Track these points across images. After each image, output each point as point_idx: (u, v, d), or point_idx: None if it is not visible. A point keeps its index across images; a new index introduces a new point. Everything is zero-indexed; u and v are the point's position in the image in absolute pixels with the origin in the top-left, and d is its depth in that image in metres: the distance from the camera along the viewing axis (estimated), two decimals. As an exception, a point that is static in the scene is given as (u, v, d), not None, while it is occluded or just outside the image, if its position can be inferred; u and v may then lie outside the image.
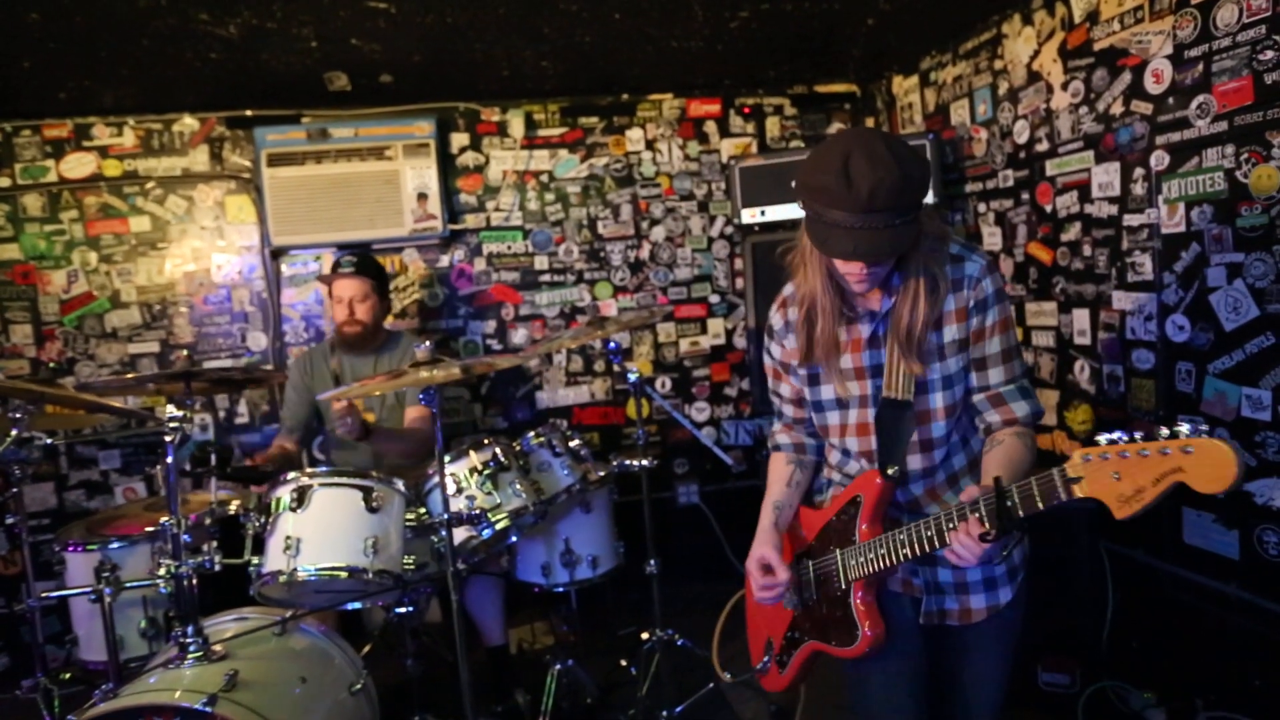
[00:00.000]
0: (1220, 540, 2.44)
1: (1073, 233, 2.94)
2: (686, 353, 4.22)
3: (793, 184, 1.54)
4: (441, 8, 2.96)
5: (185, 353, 2.75)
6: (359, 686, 2.28)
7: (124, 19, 2.81)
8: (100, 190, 3.67)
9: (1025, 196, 3.18)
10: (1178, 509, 2.57)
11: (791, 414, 1.84)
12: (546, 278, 4.08)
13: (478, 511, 2.50)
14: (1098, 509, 1.25)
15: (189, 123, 3.73)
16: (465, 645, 2.26)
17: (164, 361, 3.75)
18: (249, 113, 3.75)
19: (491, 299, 4.04)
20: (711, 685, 2.87)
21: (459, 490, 2.57)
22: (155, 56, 3.13)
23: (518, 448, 2.75)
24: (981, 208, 3.47)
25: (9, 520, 2.59)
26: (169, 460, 2.12)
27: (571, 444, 2.86)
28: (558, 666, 2.88)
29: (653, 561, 2.78)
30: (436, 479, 2.35)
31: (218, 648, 2.09)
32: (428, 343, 2.36)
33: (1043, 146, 3.05)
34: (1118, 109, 2.69)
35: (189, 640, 2.05)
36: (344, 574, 2.31)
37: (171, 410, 2.10)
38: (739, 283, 4.19)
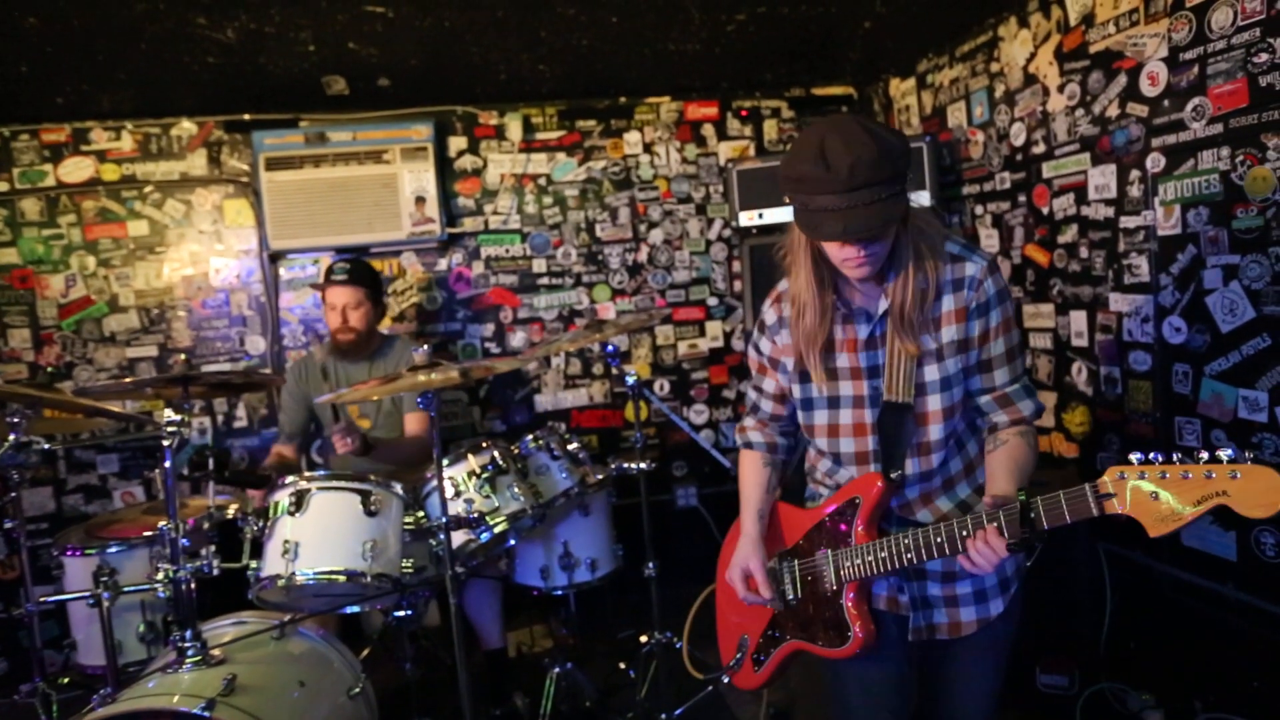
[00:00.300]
0: (1218, 542, 2.44)
1: (1069, 235, 2.95)
2: (685, 355, 4.22)
3: (780, 189, 1.54)
4: (439, 11, 2.96)
5: (183, 357, 2.74)
6: (357, 690, 2.28)
7: (122, 23, 2.81)
8: (98, 194, 3.67)
9: (1022, 199, 3.19)
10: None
11: (770, 410, 1.83)
12: (545, 281, 4.09)
13: (476, 515, 2.50)
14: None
15: (187, 127, 3.74)
16: (464, 648, 2.26)
17: (162, 365, 3.75)
18: (247, 117, 3.75)
19: (490, 302, 4.04)
20: (710, 688, 2.87)
21: (457, 494, 2.57)
22: (153, 61, 3.13)
23: (516, 451, 2.75)
24: (978, 210, 3.47)
25: (7, 525, 2.59)
26: (167, 464, 2.11)
27: (570, 447, 2.86)
28: (556, 670, 2.88)
29: (651, 564, 2.78)
30: (435, 482, 2.35)
31: (216, 652, 2.09)
32: (426, 346, 2.36)
33: (1039, 149, 3.06)
34: (1114, 111, 2.70)
35: (187, 644, 2.04)
36: (342, 578, 2.31)
37: (169, 414, 2.09)
38: (737, 285, 4.19)
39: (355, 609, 2.50)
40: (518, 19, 3.08)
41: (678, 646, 2.93)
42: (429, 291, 3.99)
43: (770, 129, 4.21)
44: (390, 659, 3.03)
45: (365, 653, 3.06)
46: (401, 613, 2.59)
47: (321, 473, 2.49)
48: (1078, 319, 2.96)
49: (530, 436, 2.80)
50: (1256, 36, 2.19)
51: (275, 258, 3.83)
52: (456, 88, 3.76)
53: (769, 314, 1.75)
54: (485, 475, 2.59)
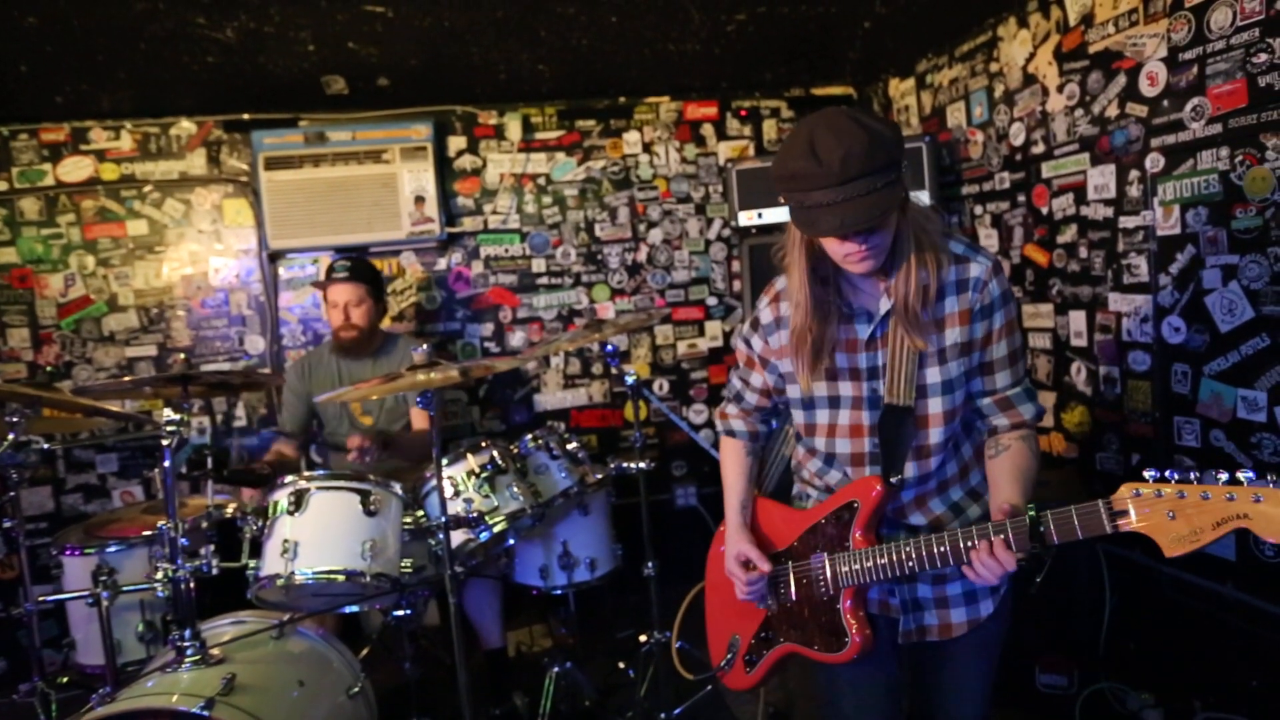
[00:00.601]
0: (1217, 542, 2.43)
1: (1069, 235, 2.95)
2: (684, 355, 4.22)
3: (775, 188, 1.51)
4: (439, 11, 2.96)
5: (183, 356, 2.74)
6: (357, 690, 2.28)
7: (121, 23, 2.81)
8: (97, 194, 3.67)
9: (1021, 199, 3.19)
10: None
11: (754, 402, 1.83)
12: (544, 280, 4.09)
13: (475, 514, 2.50)
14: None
15: (186, 126, 3.73)
16: (463, 648, 2.26)
17: (161, 365, 3.74)
18: (246, 116, 3.75)
19: (489, 302, 4.04)
20: (709, 688, 2.87)
21: (456, 493, 2.57)
22: (152, 60, 3.13)
23: (515, 450, 2.75)
24: (978, 210, 3.47)
25: (6, 524, 2.58)
26: (166, 464, 2.11)
27: (569, 446, 2.86)
28: (556, 669, 2.88)
29: (651, 564, 2.78)
30: (434, 482, 2.35)
31: (215, 651, 2.09)
32: (425, 345, 2.36)
33: (1039, 149, 3.06)
34: (1113, 111, 2.70)
35: (186, 644, 2.04)
36: (341, 577, 2.31)
37: (169, 414, 2.09)
38: (736, 285, 4.19)
39: (354, 608, 2.50)
40: (517, 19, 3.08)
41: (679, 645, 2.93)
42: (428, 291, 3.99)
43: (770, 129, 4.21)
44: (390, 658, 3.04)
45: (365, 652, 3.07)
46: (401, 612, 2.59)
47: (321, 472, 2.49)
48: (1077, 319, 2.96)
49: (529, 436, 2.80)
50: (1256, 37, 2.19)
51: (274, 257, 3.83)
52: (456, 87, 3.76)
53: (765, 313, 1.72)
54: (484, 475, 2.60)
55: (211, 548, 2.27)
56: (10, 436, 2.27)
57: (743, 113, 4.17)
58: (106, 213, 3.68)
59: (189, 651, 2.04)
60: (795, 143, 1.41)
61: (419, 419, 3.17)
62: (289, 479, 2.43)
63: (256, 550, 2.39)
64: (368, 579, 2.32)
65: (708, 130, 4.16)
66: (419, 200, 3.77)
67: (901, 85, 3.97)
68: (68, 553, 2.63)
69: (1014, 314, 1.58)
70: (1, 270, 3.60)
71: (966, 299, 1.54)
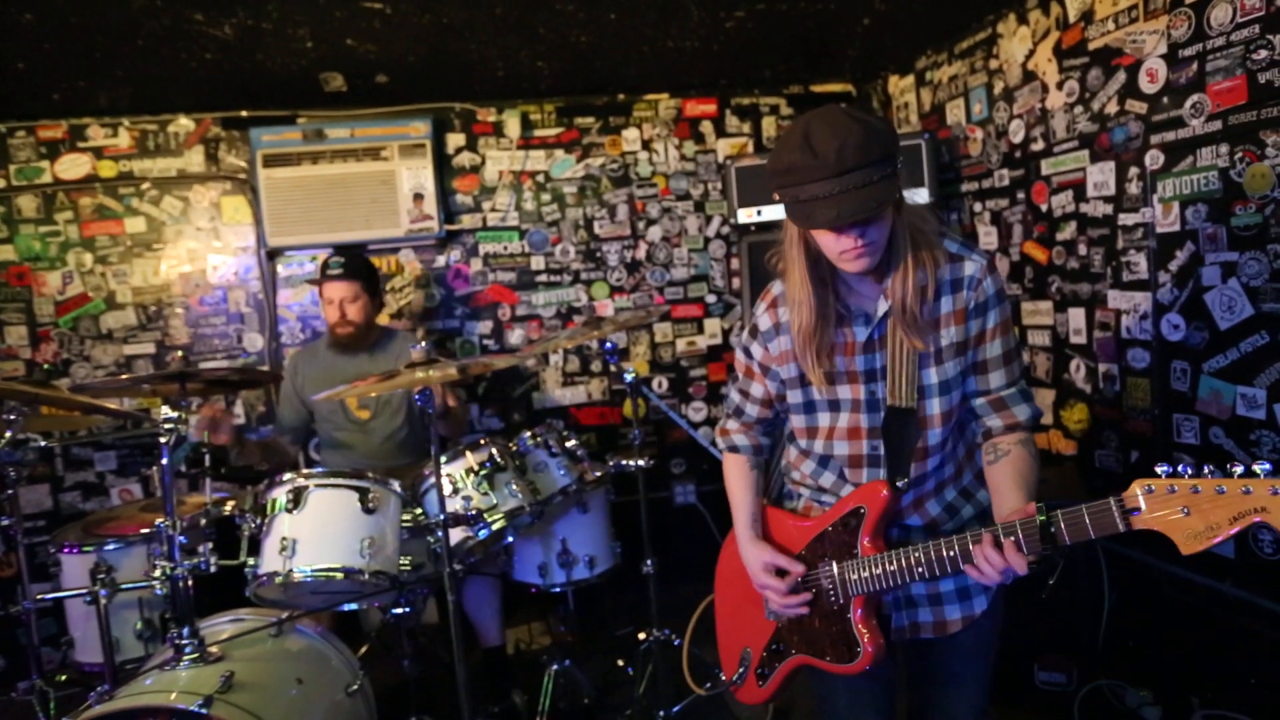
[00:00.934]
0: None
1: (1068, 232, 2.95)
2: (683, 353, 4.22)
3: (769, 186, 1.50)
4: (437, 8, 2.95)
5: (181, 354, 2.73)
6: (355, 687, 2.28)
7: (119, 20, 2.81)
8: (95, 191, 3.66)
9: (1021, 196, 3.18)
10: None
11: (755, 414, 1.79)
12: (543, 278, 4.08)
13: (474, 512, 2.50)
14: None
15: (184, 123, 3.73)
16: (462, 646, 2.26)
17: (159, 363, 3.74)
18: (244, 113, 3.74)
19: (488, 299, 4.04)
20: (708, 686, 2.86)
21: (455, 491, 2.57)
22: (150, 57, 3.12)
23: (514, 448, 2.74)
24: (977, 207, 3.47)
25: (4, 522, 2.58)
26: (164, 462, 2.11)
27: (568, 444, 2.86)
28: (555, 667, 2.88)
29: (650, 561, 2.77)
30: (432, 479, 2.34)
31: (214, 649, 2.09)
32: (424, 343, 2.36)
33: (1038, 146, 3.06)
34: (1112, 108, 2.69)
35: (185, 642, 2.04)
36: (340, 575, 2.31)
37: (167, 411, 2.09)
38: (735, 282, 4.19)
39: (353, 606, 2.50)
40: (516, 16, 3.07)
41: (676, 644, 2.92)
42: (427, 288, 3.98)
43: (769, 126, 4.20)
44: (388, 656, 3.03)
45: (363, 650, 3.07)
46: (400, 610, 2.59)
47: (319, 470, 2.49)
48: (1076, 316, 2.96)
49: (528, 434, 2.80)
50: (1255, 33, 2.19)
51: (273, 255, 3.82)
52: (455, 84, 3.75)
53: (763, 319, 1.70)
54: (483, 472, 2.59)
55: (210, 545, 2.27)
56: (8, 434, 2.27)
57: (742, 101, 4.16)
58: (104, 210, 3.68)
59: (187, 649, 2.04)
60: (790, 138, 1.41)
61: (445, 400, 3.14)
62: (287, 476, 2.42)
63: (255, 548, 2.39)
64: (366, 577, 2.32)
65: (707, 127, 4.15)
66: (418, 198, 3.76)
67: (901, 82, 3.96)
68: (66, 551, 2.63)
69: (1008, 314, 1.57)
70: (-1, 268, 3.60)
71: (961, 298, 1.53)
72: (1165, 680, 2.57)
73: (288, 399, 3.24)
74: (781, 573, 1.66)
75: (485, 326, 4.04)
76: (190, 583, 2.14)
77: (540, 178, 4.04)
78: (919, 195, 3.45)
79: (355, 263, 3.15)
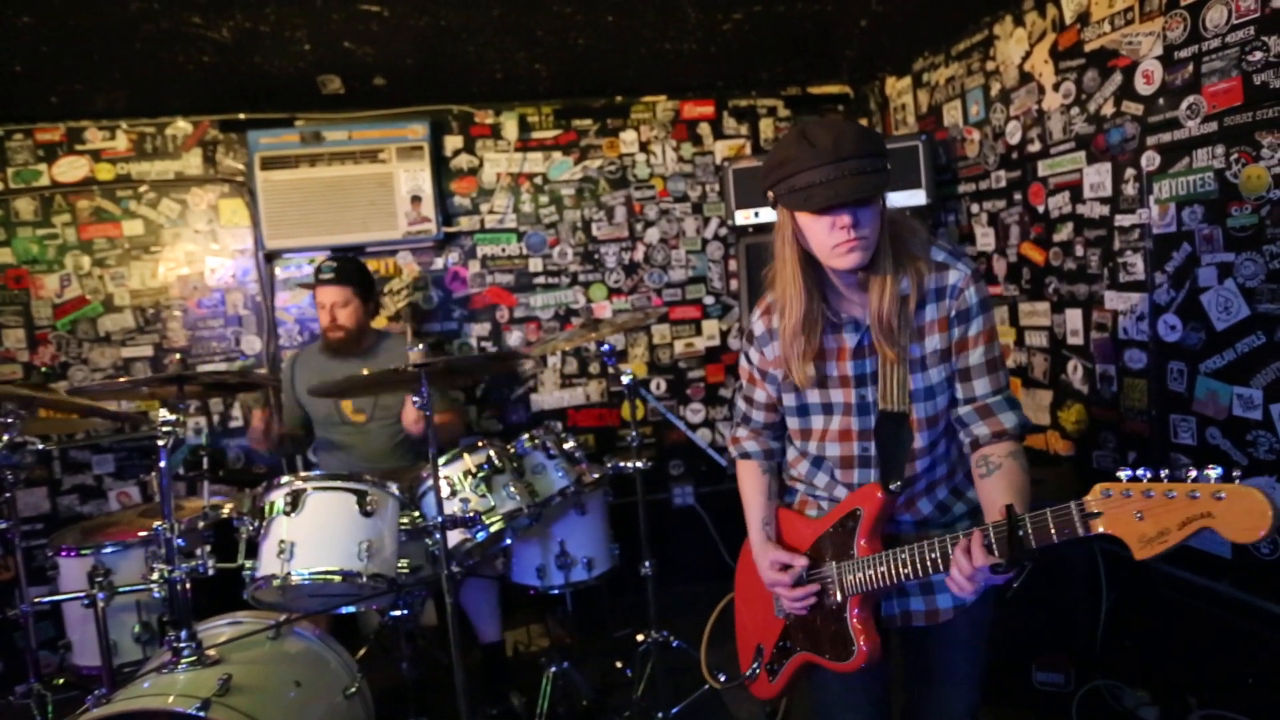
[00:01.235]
0: (1213, 539, 2.43)
1: (1065, 233, 2.95)
2: (681, 354, 4.22)
3: (762, 187, 1.55)
4: (435, 10, 2.95)
5: (179, 356, 2.74)
6: (354, 690, 2.27)
7: (116, 22, 2.81)
8: (93, 194, 3.66)
9: (1018, 197, 3.19)
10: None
11: (762, 420, 1.83)
12: (541, 280, 4.08)
13: (472, 514, 2.49)
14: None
15: (182, 126, 3.73)
16: (460, 648, 2.26)
17: (157, 365, 3.73)
18: (242, 116, 3.74)
19: (486, 301, 4.04)
20: (706, 687, 2.86)
21: (453, 493, 2.57)
22: (148, 60, 3.12)
23: (512, 450, 2.74)
24: (974, 208, 3.48)
25: (2, 525, 2.57)
26: (162, 464, 2.11)
27: (566, 446, 2.86)
28: (553, 669, 2.88)
29: (648, 563, 2.78)
30: (430, 482, 2.35)
31: (212, 652, 2.08)
32: (420, 345, 2.36)
33: (1035, 147, 3.06)
34: (1109, 110, 2.70)
35: (183, 645, 2.04)
36: (338, 578, 2.31)
37: (165, 414, 2.09)
38: (733, 284, 4.19)
39: (351, 609, 2.50)
40: (514, 18, 3.07)
41: (674, 645, 2.93)
42: (425, 291, 3.98)
43: (766, 128, 4.20)
44: (387, 659, 3.03)
45: (362, 652, 3.07)
46: (398, 612, 2.59)
47: (317, 473, 2.49)
48: (1073, 317, 2.96)
49: (526, 435, 2.80)
50: (1251, 35, 2.19)
51: (271, 257, 3.82)
52: (452, 87, 3.76)
53: (758, 326, 1.75)
54: (481, 474, 2.59)
55: (208, 548, 2.26)
56: (6, 437, 2.27)
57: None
58: (102, 213, 3.68)
59: (185, 652, 2.03)
60: (787, 138, 1.48)
61: (411, 416, 3.09)
62: (285, 479, 2.42)
63: (253, 551, 2.39)
64: (364, 579, 2.32)
65: (704, 129, 4.16)
66: (415, 200, 3.76)
67: (898, 84, 3.97)
68: (64, 554, 2.63)
69: (993, 323, 1.58)
70: (-3, 271, 3.60)
71: (944, 306, 1.55)
72: (1163, 680, 2.58)
73: (285, 399, 3.26)
74: (787, 568, 1.70)
75: (483, 329, 4.04)
76: (188, 585, 2.13)
77: (538, 180, 4.04)
78: (916, 197, 3.46)
79: (348, 267, 3.15)
